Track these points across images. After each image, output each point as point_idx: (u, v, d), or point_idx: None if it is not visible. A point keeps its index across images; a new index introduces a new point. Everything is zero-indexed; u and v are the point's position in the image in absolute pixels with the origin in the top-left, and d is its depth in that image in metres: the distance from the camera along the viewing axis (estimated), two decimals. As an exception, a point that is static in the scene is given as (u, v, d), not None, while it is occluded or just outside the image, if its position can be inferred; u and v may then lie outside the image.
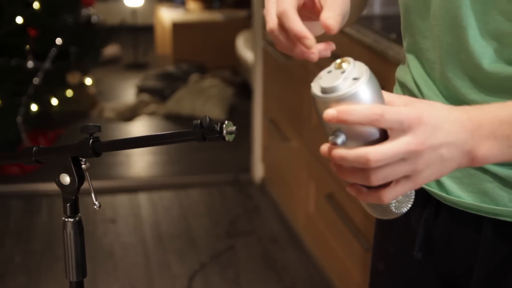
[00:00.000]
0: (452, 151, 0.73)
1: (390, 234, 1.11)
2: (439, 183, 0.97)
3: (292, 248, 2.94)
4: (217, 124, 0.91)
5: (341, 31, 2.39)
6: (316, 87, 0.72)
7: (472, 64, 0.87)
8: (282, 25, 0.85)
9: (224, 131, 0.91)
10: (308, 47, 0.79)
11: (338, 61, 0.73)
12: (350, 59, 0.72)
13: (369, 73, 0.70)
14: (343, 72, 0.71)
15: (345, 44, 2.24)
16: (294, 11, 0.85)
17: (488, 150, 0.75)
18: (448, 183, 0.96)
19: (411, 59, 1.01)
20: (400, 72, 1.05)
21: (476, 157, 0.75)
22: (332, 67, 0.74)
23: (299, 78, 2.77)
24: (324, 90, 0.71)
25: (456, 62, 0.89)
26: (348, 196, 2.30)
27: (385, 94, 0.73)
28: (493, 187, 0.91)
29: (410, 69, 1.01)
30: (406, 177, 0.72)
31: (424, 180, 0.73)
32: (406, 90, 1.02)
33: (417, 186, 0.73)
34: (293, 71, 2.83)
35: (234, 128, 0.90)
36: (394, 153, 0.69)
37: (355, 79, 0.70)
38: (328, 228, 2.56)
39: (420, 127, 0.70)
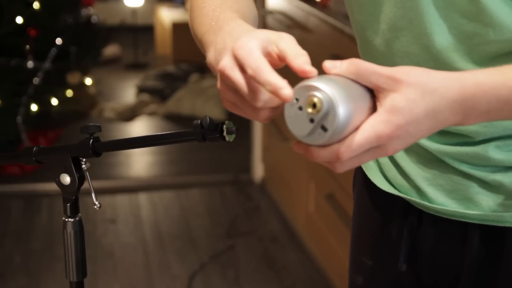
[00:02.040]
0: (431, 129, 0.72)
1: (367, 247, 1.08)
2: (420, 191, 0.95)
3: (292, 248, 2.94)
4: (217, 124, 0.91)
5: (342, 31, 2.41)
6: (288, 117, 0.71)
7: (443, 70, 0.81)
8: (250, 78, 0.72)
9: (224, 131, 0.90)
10: (285, 99, 0.70)
11: (309, 98, 0.69)
12: (319, 97, 0.68)
13: (338, 112, 0.67)
14: (311, 120, 0.69)
15: (345, 44, 2.24)
16: (264, 59, 0.73)
17: (476, 121, 0.74)
18: (430, 191, 0.93)
19: None
20: None
21: (461, 125, 0.74)
22: (300, 102, 0.70)
23: (299, 78, 2.76)
24: (292, 131, 0.71)
25: None
26: (348, 196, 2.30)
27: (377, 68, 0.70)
28: (477, 192, 0.89)
29: None
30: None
31: (389, 154, 0.72)
32: None
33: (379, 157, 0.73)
34: (293, 71, 2.83)
35: (234, 128, 0.90)
36: (363, 145, 0.69)
37: (323, 128, 0.68)
38: (328, 228, 2.56)
39: (398, 122, 0.69)
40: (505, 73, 0.74)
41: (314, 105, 0.69)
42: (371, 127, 0.68)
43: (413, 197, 0.96)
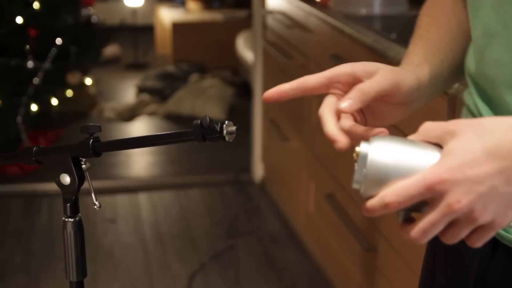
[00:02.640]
0: (502, 172, 0.64)
1: (443, 264, 0.98)
2: None
3: (292, 248, 2.94)
4: (217, 124, 0.91)
5: (342, 31, 2.40)
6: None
7: None
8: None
9: (224, 131, 0.90)
10: (339, 149, 0.74)
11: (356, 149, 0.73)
12: (358, 150, 0.72)
13: (369, 157, 0.70)
14: (356, 167, 0.72)
15: (345, 44, 2.24)
16: (328, 112, 0.79)
17: None
18: None
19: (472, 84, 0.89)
20: (465, 96, 0.93)
21: None
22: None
23: (299, 78, 2.76)
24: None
25: None
26: (348, 196, 2.30)
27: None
28: None
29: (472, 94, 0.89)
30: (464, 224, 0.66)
31: (455, 207, 0.65)
32: (470, 113, 0.90)
33: (492, 231, 0.66)
34: (293, 71, 2.83)
35: (234, 128, 0.90)
36: (408, 189, 0.67)
37: (363, 174, 0.71)
38: (328, 228, 2.56)
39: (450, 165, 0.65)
40: None
41: (357, 154, 0.72)
42: (421, 173, 0.66)
43: None
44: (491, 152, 0.64)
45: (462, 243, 0.71)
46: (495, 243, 0.85)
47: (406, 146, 0.70)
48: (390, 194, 0.67)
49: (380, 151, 0.70)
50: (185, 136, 0.94)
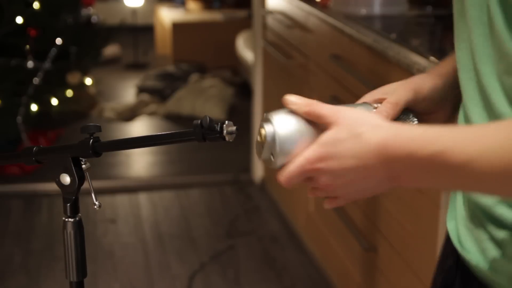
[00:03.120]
0: (361, 174, 0.77)
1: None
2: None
3: (292, 248, 2.94)
4: (218, 124, 0.91)
5: (342, 31, 2.40)
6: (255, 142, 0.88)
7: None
8: None
9: (225, 131, 0.90)
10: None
11: (260, 128, 0.86)
12: (264, 132, 0.84)
13: (274, 137, 0.83)
14: (262, 147, 0.85)
15: (345, 44, 2.24)
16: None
17: (409, 181, 0.76)
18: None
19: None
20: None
21: (398, 182, 0.76)
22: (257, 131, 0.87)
23: (299, 78, 2.77)
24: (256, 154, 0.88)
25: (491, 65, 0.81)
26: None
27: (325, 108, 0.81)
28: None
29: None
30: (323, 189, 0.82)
31: (322, 187, 0.82)
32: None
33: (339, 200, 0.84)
34: (293, 71, 2.83)
35: (234, 128, 0.90)
36: (297, 169, 0.81)
37: (272, 155, 0.84)
38: (328, 228, 2.56)
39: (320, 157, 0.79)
40: (437, 132, 0.71)
41: (262, 135, 0.84)
42: (303, 153, 0.80)
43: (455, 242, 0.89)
44: (353, 157, 0.76)
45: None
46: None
47: (296, 116, 0.84)
48: (283, 173, 0.81)
49: (283, 126, 0.83)
50: (185, 136, 0.95)
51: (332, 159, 0.77)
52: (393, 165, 0.74)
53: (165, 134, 0.98)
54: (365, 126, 0.76)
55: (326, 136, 0.79)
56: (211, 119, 0.90)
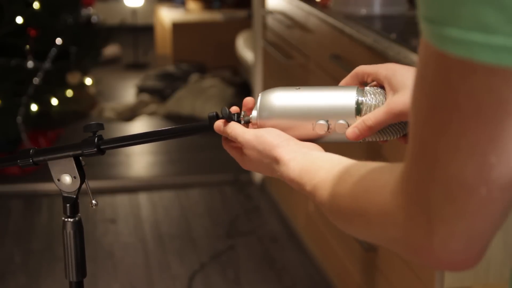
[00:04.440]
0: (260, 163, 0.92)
1: None
2: None
3: (292, 248, 2.94)
4: (234, 115, 0.93)
5: (342, 31, 2.40)
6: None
7: None
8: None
9: (242, 121, 0.92)
10: None
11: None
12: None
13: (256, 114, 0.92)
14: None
15: (345, 44, 2.24)
16: None
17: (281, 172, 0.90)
18: None
19: None
20: None
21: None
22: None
23: (299, 78, 2.76)
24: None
25: None
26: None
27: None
28: None
29: None
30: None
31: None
32: None
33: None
34: (293, 71, 2.83)
35: (250, 117, 0.93)
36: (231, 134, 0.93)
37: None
38: (328, 228, 2.56)
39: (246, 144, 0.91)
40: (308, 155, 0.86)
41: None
42: (246, 130, 0.92)
43: None
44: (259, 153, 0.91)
45: None
46: None
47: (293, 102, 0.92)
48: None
49: (279, 99, 0.91)
50: (201, 129, 0.96)
51: (252, 155, 0.91)
52: (281, 176, 0.89)
53: (180, 127, 0.99)
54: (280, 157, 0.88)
55: (268, 139, 0.89)
56: (229, 110, 0.92)
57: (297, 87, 0.92)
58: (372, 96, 0.88)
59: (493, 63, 0.50)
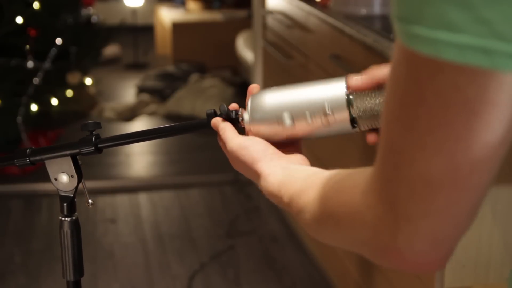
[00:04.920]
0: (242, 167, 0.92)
1: None
2: None
3: (292, 248, 2.94)
4: (233, 112, 0.92)
5: (342, 31, 2.39)
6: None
7: None
8: None
9: (241, 119, 0.92)
10: None
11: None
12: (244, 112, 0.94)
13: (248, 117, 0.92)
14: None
15: (345, 44, 2.24)
16: None
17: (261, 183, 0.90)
18: None
19: None
20: None
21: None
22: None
23: (299, 78, 2.76)
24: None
25: None
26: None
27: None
28: None
29: None
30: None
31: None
32: None
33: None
34: (293, 71, 2.83)
35: (247, 115, 0.92)
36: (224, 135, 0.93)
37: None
38: (328, 228, 2.56)
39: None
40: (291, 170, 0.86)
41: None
42: (234, 137, 0.91)
43: None
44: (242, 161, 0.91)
45: None
46: None
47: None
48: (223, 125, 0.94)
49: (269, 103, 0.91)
50: (199, 126, 0.96)
51: (235, 164, 0.92)
52: (262, 190, 0.88)
53: (178, 124, 0.98)
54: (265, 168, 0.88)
55: (256, 148, 0.89)
56: (227, 107, 0.92)
57: (287, 85, 0.92)
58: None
59: (458, 61, 0.50)
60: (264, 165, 0.87)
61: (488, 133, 0.52)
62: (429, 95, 0.52)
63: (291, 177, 0.83)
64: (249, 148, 0.89)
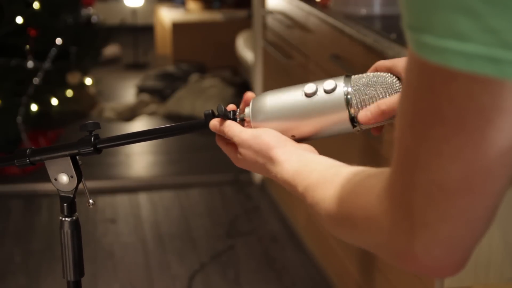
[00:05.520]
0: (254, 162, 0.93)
1: None
2: None
3: (292, 248, 2.94)
4: (230, 112, 0.92)
5: (342, 31, 2.39)
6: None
7: None
8: None
9: (238, 119, 0.92)
10: None
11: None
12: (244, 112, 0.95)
13: (250, 114, 0.93)
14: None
15: (345, 44, 2.24)
16: None
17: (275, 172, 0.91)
18: None
19: None
20: None
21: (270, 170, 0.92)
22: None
23: (299, 78, 2.76)
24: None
25: None
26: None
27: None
28: None
29: None
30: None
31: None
32: None
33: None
34: (293, 71, 2.83)
35: (246, 114, 0.93)
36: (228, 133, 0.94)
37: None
38: (328, 228, 2.56)
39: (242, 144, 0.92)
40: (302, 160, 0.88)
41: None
42: (243, 129, 0.92)
43: None
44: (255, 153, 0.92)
45: None
46: None
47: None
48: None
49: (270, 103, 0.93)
50: (197, 127, 0.96)
51: (247, 154, 0.92)
52: (275, 176, 0.90)
53: (176, 125, 0.98)
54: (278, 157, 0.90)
55: (264, 140, 0.90)
56: (225, 108, 0.92)
57: (288, 87, 0.93)
58: (358, 80, 0.90)
59: (467, 70, 0.50)
60: (279, 151, 0.88)
61: (502, 139, 0.53)
62: (443, 104, 0.53)
63: (307, 167, 0.85)
64: (262, 136, 0.90)
